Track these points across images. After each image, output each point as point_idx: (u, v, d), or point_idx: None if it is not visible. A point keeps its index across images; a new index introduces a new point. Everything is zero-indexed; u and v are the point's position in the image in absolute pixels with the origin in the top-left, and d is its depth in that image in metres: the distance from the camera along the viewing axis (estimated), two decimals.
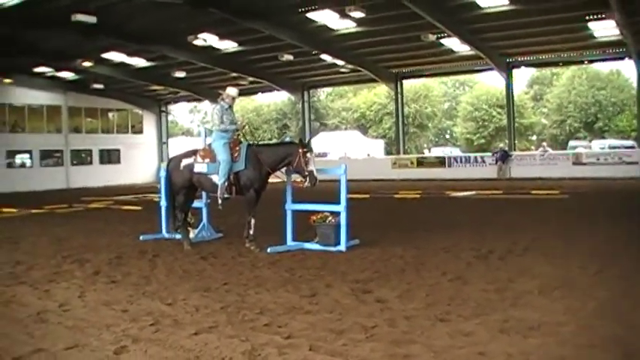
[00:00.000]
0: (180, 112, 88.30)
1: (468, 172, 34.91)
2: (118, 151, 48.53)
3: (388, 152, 61.47)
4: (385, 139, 69.59)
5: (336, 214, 10.49)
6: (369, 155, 52.81)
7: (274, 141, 40.08)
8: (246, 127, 11.38)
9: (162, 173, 11.89)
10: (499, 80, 42.85)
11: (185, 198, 11.41)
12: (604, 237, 10.91)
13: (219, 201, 10.79)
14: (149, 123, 51.66)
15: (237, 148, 10.78)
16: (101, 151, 47.52)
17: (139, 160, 49.10)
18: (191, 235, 11.73)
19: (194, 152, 11.31)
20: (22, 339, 5.71)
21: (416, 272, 8.17)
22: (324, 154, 47.53)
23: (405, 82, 43.03)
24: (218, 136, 10.83)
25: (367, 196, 21.91)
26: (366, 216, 15.29)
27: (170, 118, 64.04)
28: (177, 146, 45.17)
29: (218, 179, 10.70)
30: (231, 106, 11.16)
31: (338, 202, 10.50)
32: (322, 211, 10.79)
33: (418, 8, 25.59)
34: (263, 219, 11.19)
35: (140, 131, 50.95)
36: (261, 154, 10.76)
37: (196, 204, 12.19)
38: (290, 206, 11.08)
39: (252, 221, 10.67)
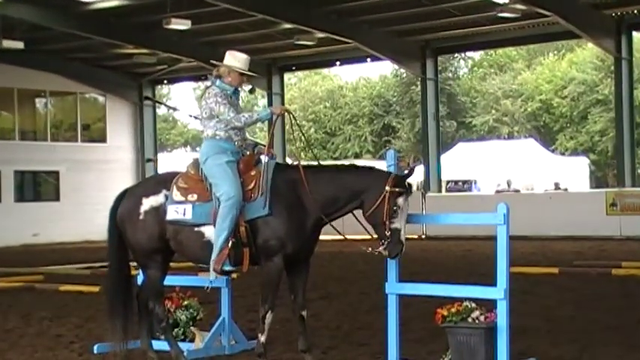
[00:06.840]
0: (182, 101, 58.36)
1: None
2: (56, 174, 30.63)
3: (599, 181, 42.70)
4: (593, 155, 44.17)
5: (490, 304, 6.19)
6: (557, 186, 33.25)
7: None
8: (291, 117, 6.48)
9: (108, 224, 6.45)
10: None
11: (160, 272, 6.56)
12: None
13: (212, 277, 6.31)
14: (119, 120, 32.30)
15: (253, 173, 6.12)
16: (19, 175, 29.82)
17: (100, 194, 27.38)
18: (197, 341, 6.94)
19: (166, 181, 6.38)
20: None
21: None
22: (468, 185, 34.62)
23: (635, 34, 26.57)
24: (213, 147, 6.18)
25: (555, 270, 14.53)
26: (552, 311, 9.85)
27: (161, 111, 43.21)
28: (176, 166, 32.19)
29: (214, 235, 6.09)
30: (237, 90, 6.56)
31: (493, 283, 6.13)
32: (460, 299, 6.28)
33: None
34: (341, 310, 7.72)
35: (102, 138, 32.04)
36: (310, 185, 6.07)
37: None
38: (394, 288, 6.36)
39: (268, 318, 6.14)
